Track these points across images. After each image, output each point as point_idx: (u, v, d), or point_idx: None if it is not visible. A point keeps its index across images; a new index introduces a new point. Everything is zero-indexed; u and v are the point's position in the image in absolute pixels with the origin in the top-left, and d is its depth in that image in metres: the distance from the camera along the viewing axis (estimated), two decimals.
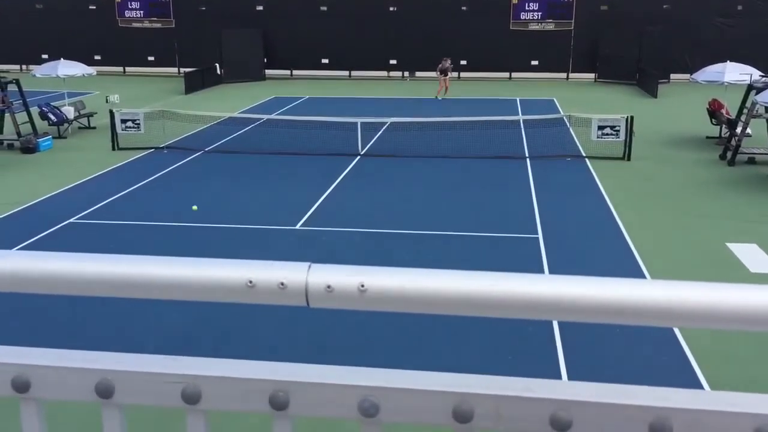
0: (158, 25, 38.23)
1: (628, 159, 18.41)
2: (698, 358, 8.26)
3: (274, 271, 1.00)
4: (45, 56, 33.12)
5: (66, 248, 12.16)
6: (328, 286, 0.99)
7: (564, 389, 0.98)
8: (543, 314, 0.97)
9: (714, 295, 0.93)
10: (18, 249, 11.98)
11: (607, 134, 18.91)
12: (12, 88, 20.67)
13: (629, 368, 8.05)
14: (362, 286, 0.98)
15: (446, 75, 30.95)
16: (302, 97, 30.41)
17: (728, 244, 12.20)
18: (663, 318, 0.94)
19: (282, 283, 0.99)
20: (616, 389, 0.97)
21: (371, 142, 20.19)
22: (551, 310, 0.96)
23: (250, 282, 1.00)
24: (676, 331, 8.64)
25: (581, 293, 0.94)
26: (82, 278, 1.04)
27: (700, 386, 7.65)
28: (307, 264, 1.01)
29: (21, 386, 1.07)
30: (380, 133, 21.22)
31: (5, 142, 20.18)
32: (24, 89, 21.08)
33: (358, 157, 18.90)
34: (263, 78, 36.08)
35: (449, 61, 30.89)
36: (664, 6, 36.46)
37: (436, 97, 30.48)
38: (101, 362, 1.07)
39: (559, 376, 7.90)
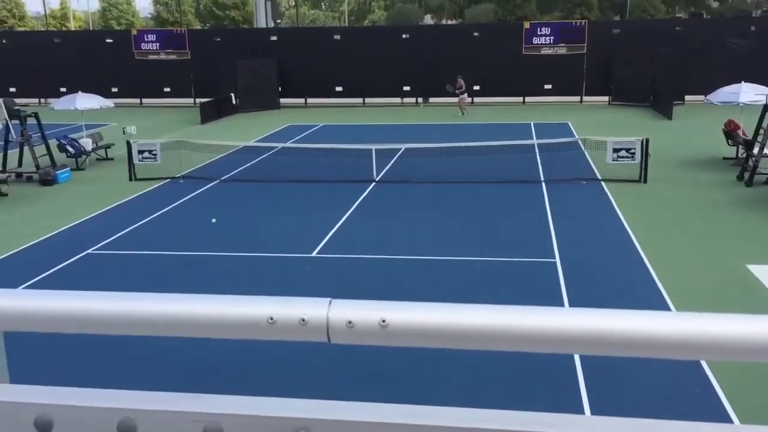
0: (174, 57, 38.79)
1: (645, 181, 18.32)
2: (724, 386, 8.11)
3: (294, 308, 1.00)
4: (63, 89, 33.65)
5: (83, 279, 12.26)
6: (349, 322, 0.98)
7: (587, 425, 0.96)
8: (568, 348, 0.96)
9: (740, 327, 0.91)
10: (36, 281, 12.06)
11: (622, 157, 18.85)
12: (31, 121, 20.99)
13: (652, 396, 7.92)
14: (383, 321, 0.97)
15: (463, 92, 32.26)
16: (317, 125, 30.63)
17: (749, 266, 12.05)
18: (688, 351, 0.92)
19: (303, 320, 0.99)
20: (641, 424, 0.95)
21: (386, 169, 20.25)
22: (576, 345, 0.95)
23: (271, 319, 0.99)
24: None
25: (606, 327, 0.92)
26: (104, 317, 1.04)
27: (727, 417, 7.50)
28: (327, 299, 1.01)
29: (43, 426, 1.06)
30: (395, 159, 21.29)
31: (24, 175, 20.44)
32: (42, 122, 21.41)
33: (373, 183, 18.95)
34: (278, 107, 36.42)
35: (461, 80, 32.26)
36: (677, 28, 36.53)
37: (462, 114, 31.85)
38: (123, 401, 1.07)
39: (580, 404, 7.79)
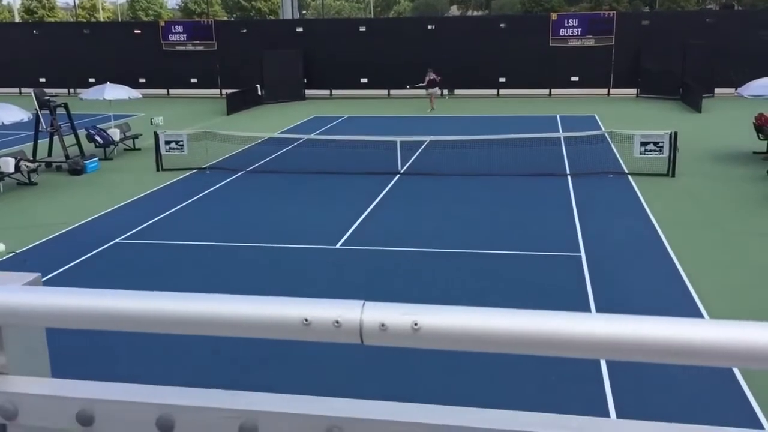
0: (201, 48, 39.06)
1: (673, 175, 18.12)
2: (752, 387, 8.02)
3: (329, 310, 1.01)
4: (92, 80, 34.08)
5: (112, 269, 12.44)
6: (382, 325, 1.00)
7: (610, 428, 0.98)
8: (599, 354, 0.97)
9: None
10: (65, 269, 12.27)
11: (650, 150, 18.64)
12: (60, 111, 21.30)
13: (678, 397, 7.86)
14: (416, 324, 0.99)
15: (433, 87, 31.43)
16: (342, 117, 30.68)
17: None
18: (721, 359, 0.92)
19: (337, 322, 1.01)
20: (667, 428, 0.96)
21: (411, 161, 20.24)
22: (608, 350, 0.96)
23: (306, 320, 1.01)
24: None
25: (637, 334, 0.93)
26: (142, 316, 1.06)
27: (757, 420, 7.42)
28: (360, 302, 1.02)
29: (85, 420, 1.09)
30: (420, 151, 21.27)
31: (54, 165, 20.75)
32: (72, 112, 21.70)
33: (398, 175, 18.96)
34: (303, 98, 36.52)
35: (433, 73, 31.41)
36: (708, 20, 35.94)
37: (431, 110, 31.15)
38: (163, 396, 1.10)
39: (605, 406, 7.76)
